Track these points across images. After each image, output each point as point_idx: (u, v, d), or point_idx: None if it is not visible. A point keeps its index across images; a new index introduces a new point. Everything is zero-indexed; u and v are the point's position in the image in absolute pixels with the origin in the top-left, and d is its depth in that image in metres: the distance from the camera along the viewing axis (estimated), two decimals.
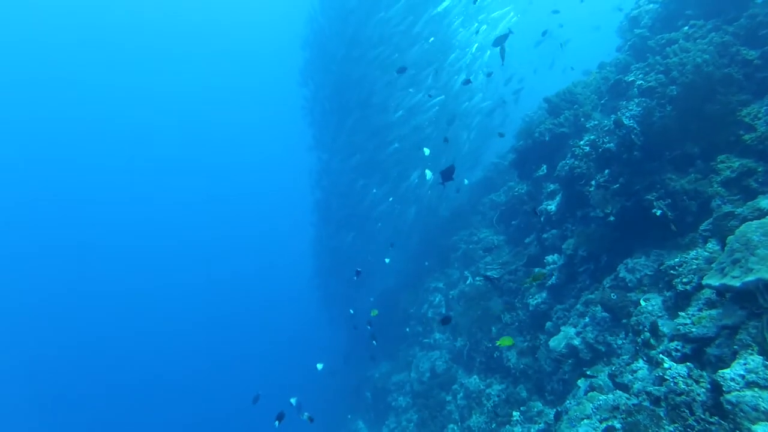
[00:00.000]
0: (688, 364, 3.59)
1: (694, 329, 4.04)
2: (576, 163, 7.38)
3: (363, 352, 18.52)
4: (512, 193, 12.95)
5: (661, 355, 3.89)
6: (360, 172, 19.09)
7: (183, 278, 53.70)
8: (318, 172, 21.68)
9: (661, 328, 4.82)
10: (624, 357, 5.28)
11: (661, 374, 3.71)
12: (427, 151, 10.31)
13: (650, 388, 3.74)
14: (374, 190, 18.95)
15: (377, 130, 17.97)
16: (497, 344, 9.73)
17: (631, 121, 6.21)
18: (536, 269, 9.32)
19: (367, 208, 19.57)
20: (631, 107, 6.42)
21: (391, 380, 14.33)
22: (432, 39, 16.52)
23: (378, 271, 21.13)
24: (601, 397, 4.39)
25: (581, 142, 7.45)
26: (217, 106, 60.15)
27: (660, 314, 5.03)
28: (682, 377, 3.46)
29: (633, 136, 6.19)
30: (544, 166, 10.18)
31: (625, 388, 4.94)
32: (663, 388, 3.54)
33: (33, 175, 52.67)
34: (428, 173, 11.61)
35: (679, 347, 4.13)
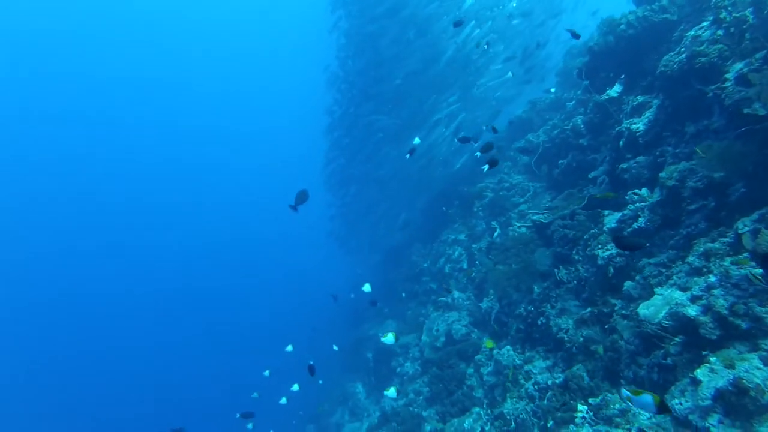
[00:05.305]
0: None
1: None
2: (714, 33, 4.68)
3: (367, 308, 16.71)
4: (561, 127, 10.31)
5: None
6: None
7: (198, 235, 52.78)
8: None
9: None
10: None
11: None
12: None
13: None
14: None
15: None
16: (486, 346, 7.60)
17: None
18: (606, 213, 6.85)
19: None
20: None
21: (397, 342, 12.38)
22: None
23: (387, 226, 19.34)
24: None
25: (726, 2, 4.72)
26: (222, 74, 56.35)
27: None
28: None
29: None
30: (622, 76, 7.45)
31: None
32: None
33: (46, 172, 50.54)
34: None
35: None
